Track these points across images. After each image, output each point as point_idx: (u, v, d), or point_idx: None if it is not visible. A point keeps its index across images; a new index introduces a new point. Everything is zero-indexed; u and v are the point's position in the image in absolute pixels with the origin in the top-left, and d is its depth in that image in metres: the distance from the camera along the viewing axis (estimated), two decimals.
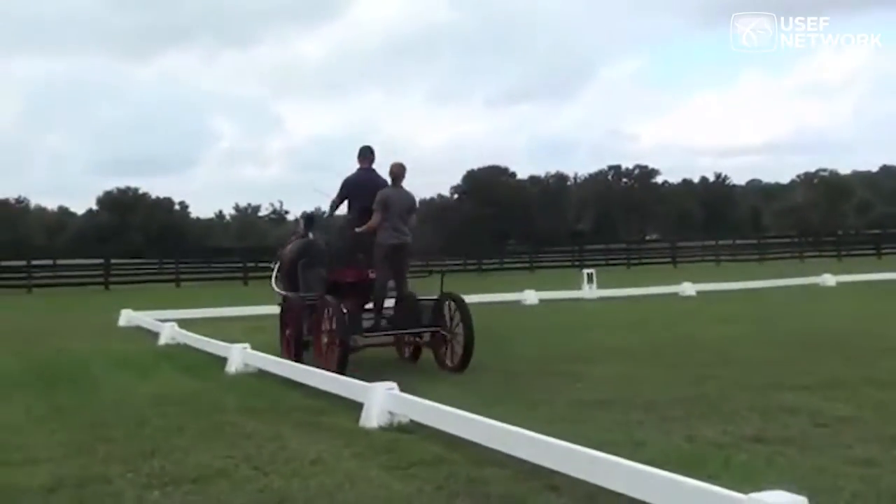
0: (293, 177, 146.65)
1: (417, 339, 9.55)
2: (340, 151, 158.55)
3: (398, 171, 9.22)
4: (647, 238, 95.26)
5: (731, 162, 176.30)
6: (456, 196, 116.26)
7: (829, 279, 22.27)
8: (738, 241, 47.64)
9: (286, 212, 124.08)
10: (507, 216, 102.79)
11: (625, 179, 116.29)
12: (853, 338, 10.81)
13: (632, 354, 10.03)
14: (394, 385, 6.61)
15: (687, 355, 9.84)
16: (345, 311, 8.64)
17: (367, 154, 9.44)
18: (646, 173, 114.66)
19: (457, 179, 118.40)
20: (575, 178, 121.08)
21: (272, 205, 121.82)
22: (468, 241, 69.42)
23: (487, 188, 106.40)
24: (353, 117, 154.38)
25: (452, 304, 9.14)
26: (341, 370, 8.19)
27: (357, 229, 9.19)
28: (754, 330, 12.23)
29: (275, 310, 11.05)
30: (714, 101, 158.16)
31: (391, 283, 9.19)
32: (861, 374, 8.04)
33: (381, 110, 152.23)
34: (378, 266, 9.14)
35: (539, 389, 7.75)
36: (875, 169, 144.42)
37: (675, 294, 20.28)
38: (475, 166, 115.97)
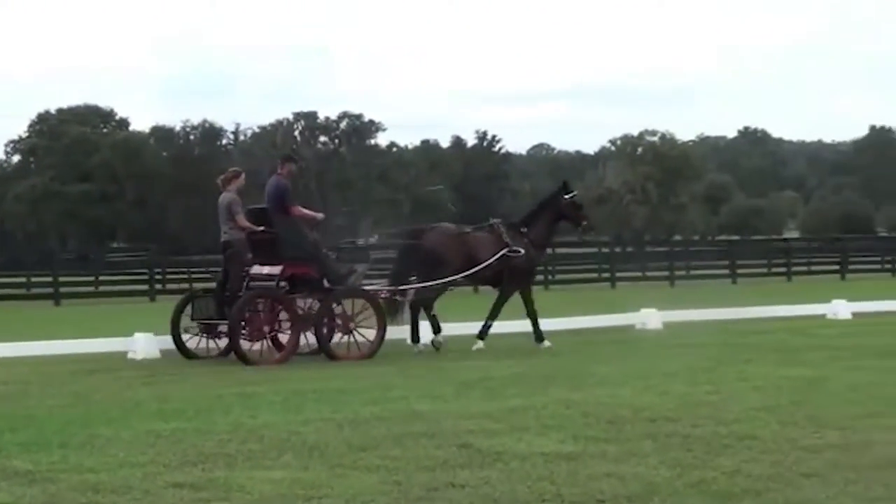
0: None
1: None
2: None
3: (224, 177, 19.17)
4: (352, 242, 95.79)
5: (503, 115, 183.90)
6: (16, 158, 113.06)
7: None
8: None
9: None
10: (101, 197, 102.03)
11: (323, 138, 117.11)
12: None
13: None
14: None
15: None
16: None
17: (280, 162, 20.19)
18: (357, 130, 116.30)
19: (20, 128, 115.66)
20: (237, 134, 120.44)
21: None
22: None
23: (71, 147, 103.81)
24: None
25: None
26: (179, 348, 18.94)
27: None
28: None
29: None
30: (480, 7, 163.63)
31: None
32: None
33: None
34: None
35: None
36: (732, 133, 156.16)
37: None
38: (54, 105, 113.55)
